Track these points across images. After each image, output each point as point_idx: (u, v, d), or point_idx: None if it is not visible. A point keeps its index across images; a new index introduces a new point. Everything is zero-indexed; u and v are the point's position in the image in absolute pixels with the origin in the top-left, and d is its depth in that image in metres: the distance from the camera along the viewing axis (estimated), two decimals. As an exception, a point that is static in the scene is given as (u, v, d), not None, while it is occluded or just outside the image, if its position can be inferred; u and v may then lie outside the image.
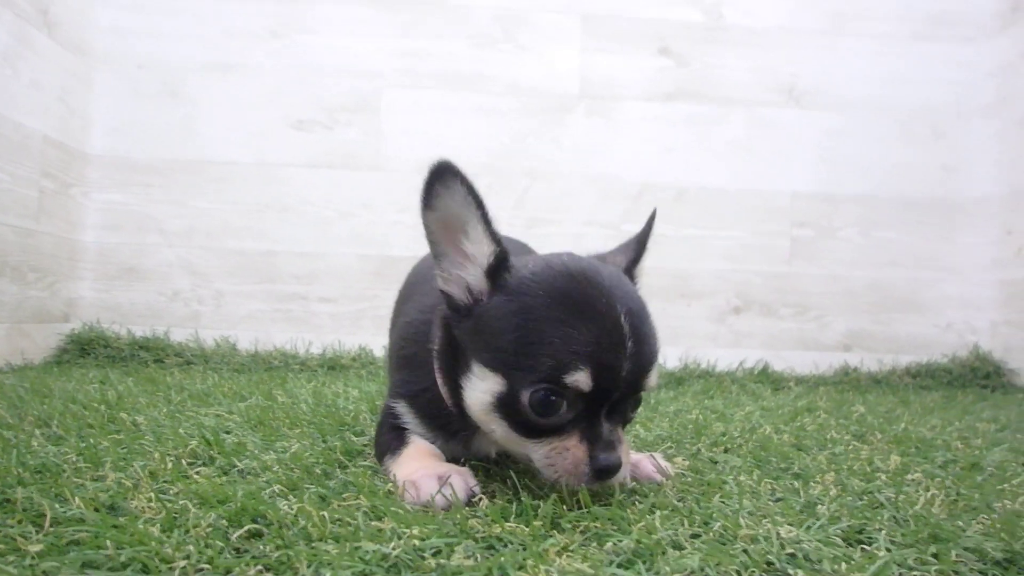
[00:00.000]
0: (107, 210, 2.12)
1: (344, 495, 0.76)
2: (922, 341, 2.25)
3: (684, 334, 2.20)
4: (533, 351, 0.74)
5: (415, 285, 1.03)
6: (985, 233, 2.26)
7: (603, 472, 0.74)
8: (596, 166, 2.21)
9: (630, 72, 2.23)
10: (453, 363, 0.81)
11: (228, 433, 1.05)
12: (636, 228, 2.18)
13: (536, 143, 2.21)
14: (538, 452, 0.76)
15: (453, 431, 0.87)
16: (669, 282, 2.21)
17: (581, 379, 0.73)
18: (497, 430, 0.78)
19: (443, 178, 0.82)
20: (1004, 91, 2.21)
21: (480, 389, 0.77)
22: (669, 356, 2.16)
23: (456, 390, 0.80)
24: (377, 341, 2.08)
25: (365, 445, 1.02)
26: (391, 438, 0.88)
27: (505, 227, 2.13)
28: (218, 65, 2.16)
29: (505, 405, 0.75)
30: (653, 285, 2.20)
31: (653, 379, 0.81)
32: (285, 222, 2.16)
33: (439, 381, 0.84)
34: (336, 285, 2.15)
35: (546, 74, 2.21)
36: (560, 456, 0.75)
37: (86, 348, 1.98)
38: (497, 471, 0.90)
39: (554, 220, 2.19)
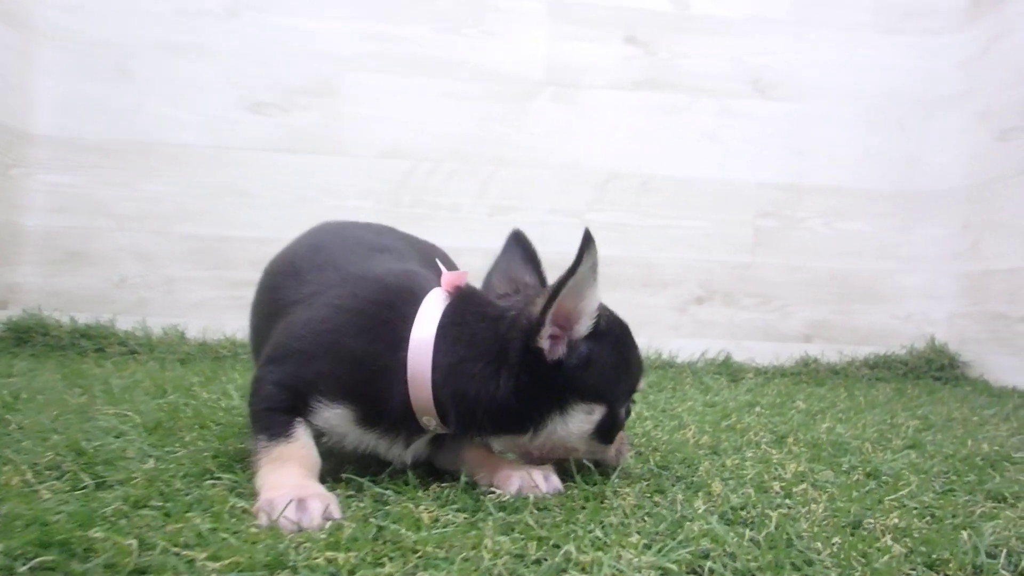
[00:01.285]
0: (53, 192, 2.08)
1: (188, 514, 0.71)
2: (882, 332, 2.31)
3: (647, 323, 2.23)
4: (627, 376, 0.91)
5: (331, 267, 0.98)
6: (946, 225, 2.33)
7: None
8: (562, 153, 2.24)
9: (597, 59, 2.26)
10: (528, 405, 0.85)
11: (118, 437, 1.00)
12: (602, 217, 2.24)
13: (501, 129, 2.22)
14: (610, 450, 0.93)
15: (396, 437, 0.87)
16: (633, 271, 2.24)
17: (643, 384, 0.96)
18: (580, 447, 0.91)
19: (591, 248, 0.84)
20: (967, 84, 2.29)
21: (584, 421, 0.87)
22: (633, 346, 2.18)
23: (528, 422, 0.86)
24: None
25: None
26: (275, 420, 0.84)
27: (468, 213, 2.15)
28: (173, 44, 2.13)
29: (602, 426, 0.88)
30: (618, 274, 2.24)
31: None
32: (241, 206, 2.14)
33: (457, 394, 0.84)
34: (294, 272, 2.13)
35: (512, 60, 2.23)
36: (620, 443, 0.95)
37: (23, 336, 1.93)
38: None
39: (519, 207, 2.21)
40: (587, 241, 0.83)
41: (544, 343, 0.83)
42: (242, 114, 2.15)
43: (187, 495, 0.78)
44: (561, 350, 0.84)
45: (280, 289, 0.99)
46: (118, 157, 2.11)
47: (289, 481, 0.77)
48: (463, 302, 0.89)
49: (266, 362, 0.88)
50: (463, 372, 0.83)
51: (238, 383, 1.55)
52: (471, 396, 0.83)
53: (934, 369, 2.24)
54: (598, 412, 0.87)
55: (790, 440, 1.20)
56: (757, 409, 1.52)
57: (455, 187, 2.20)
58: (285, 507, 0.72)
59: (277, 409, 0.84)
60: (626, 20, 2.28)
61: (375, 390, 0.84)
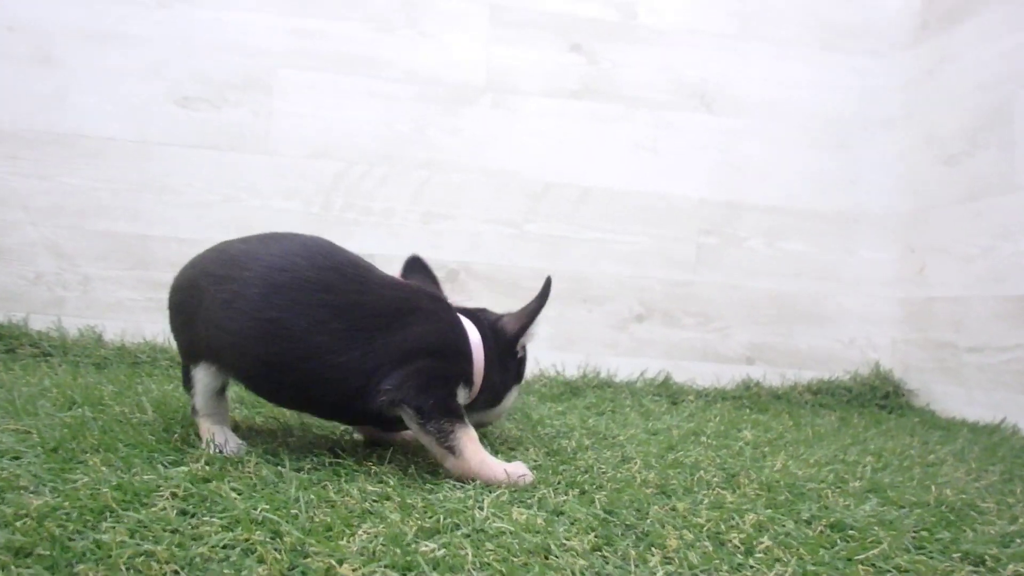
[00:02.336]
0: (-35, 182, 2.06)
1: (75, 571, 0.65)
2: (824, 356, 2.32)
3: (583, 340, 2.23)
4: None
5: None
6: (887, 248, 2.34)
7: None
8: (498, 161, 2.24)
9: (538, 66, 2.26)
10: (505, 386, 1.25)
11: (15, 459, 0.95)
12: (537, 228, 2.23)
13: (436, 134, 2.22)
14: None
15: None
16: (568, 286, 2.24)
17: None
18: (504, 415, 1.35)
19: (550, 291, 1.28)
20: (909, 107, 2.31)
21: (515, 397, 1.30)
22: (567, 363, 2.18)
23: (502, 397, 1.25)
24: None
25: (166, 480, 0.91)
26: (456, 407, 1.07)
27: (401, 220, 2.14)
28: (98, 32, 2.12)
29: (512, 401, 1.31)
30: (553, 288, 2.23)
31: None
32: (162, 204, 2.12)
33: (487, 378, 1.17)
34: (217, 274, 2.11)
35: (449, 63, 2.23)
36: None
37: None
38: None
39: (452, 215, 2.21)
40: (548, 284, 1.27)
41: (519, 349, 1.27)
42: (168, 107, 2.13)
43: (79, 540, 0.71)
44: (520, 352, 1.28)
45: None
46: (35, 147, 2.09)
47: (495, 459, 1.08)
48: (468, 314, 1.22)
49: (414, 360, 1.05)
50: (492, 363, 1.17)
51: (153, 394, 1.52)
52: (494, 379, 1.19)
53: (879, 397, 2.24)
54: (516, 391, 1.28)
55: (742, 480, 1.15)
56: (703, 439, 1.50)
57: (387, 192, 2.19)
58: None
59: (453, 396, 1.08)
60: (570, 27, 2.28)
61: (470, 376, 1.14)
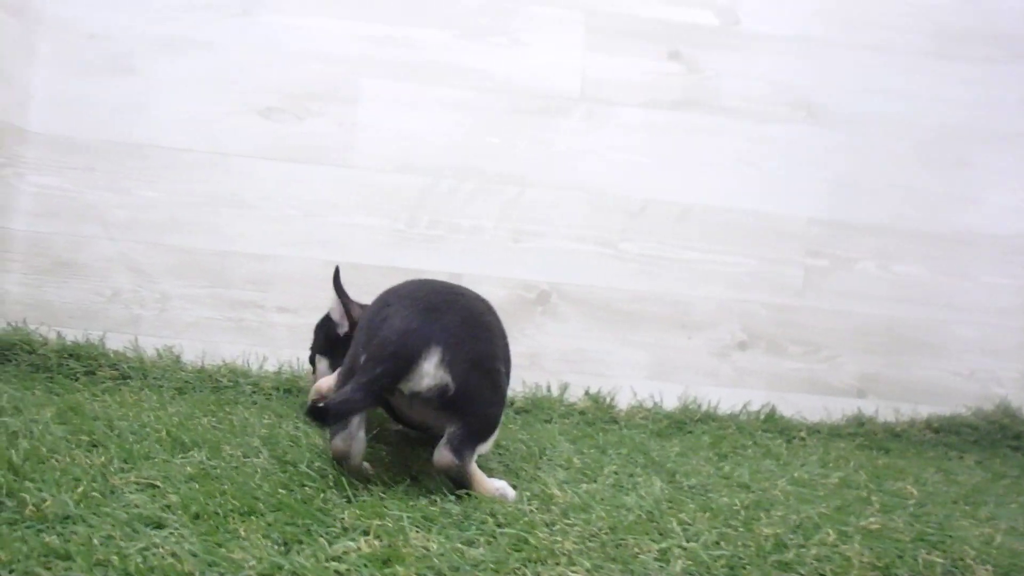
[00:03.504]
0: (42, 195, 2.03)
1: None
2: (941, 389, 2.20)
3: (682, 369, 2.14)
4: None
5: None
6: (1010, 273, 2.23)
7: None
8: (593, 175, 2.16)
9: (636, 75, 2.19)
10: None
11: (159, 528, 0.89)
12: (635, 247, 2.16)
13: (528, 147, 2.15)
14: None
15: None
16: (666, 310, 2.15)
17: None
18: None
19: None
20: (1040, 120, 2.19)
21: None
22: (667, 394, 2.10)
23: None
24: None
25: (339, 560, 0.84)
26: None
27: (490, 238, 2.08)
28: (179, 40, 2.09)
29: None
30: (650, 312, 2.16)
31: None
32: (241, 218, 2.08)
33: None
34: (296, 293, 2.07)
35: (543, 72, 2.16)
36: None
37: (7, 353, 1.87)
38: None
39: (545, 232, 2.14)
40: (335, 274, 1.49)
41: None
42: (249, 118, 2.10)
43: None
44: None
45: None
46: (112, 160, 2.06)
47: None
48: None
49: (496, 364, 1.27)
50: None
51: (257, 429, 1.47)
52: None
53: (1010, 437, 2.11)
54: None
55: (966, 555, 1.01)
56: (861, 493, 1.39)
57: (476, 208, 2.13)
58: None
59: None
60: (669, 34, 2.21)
61: None
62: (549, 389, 2.08)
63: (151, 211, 2.06)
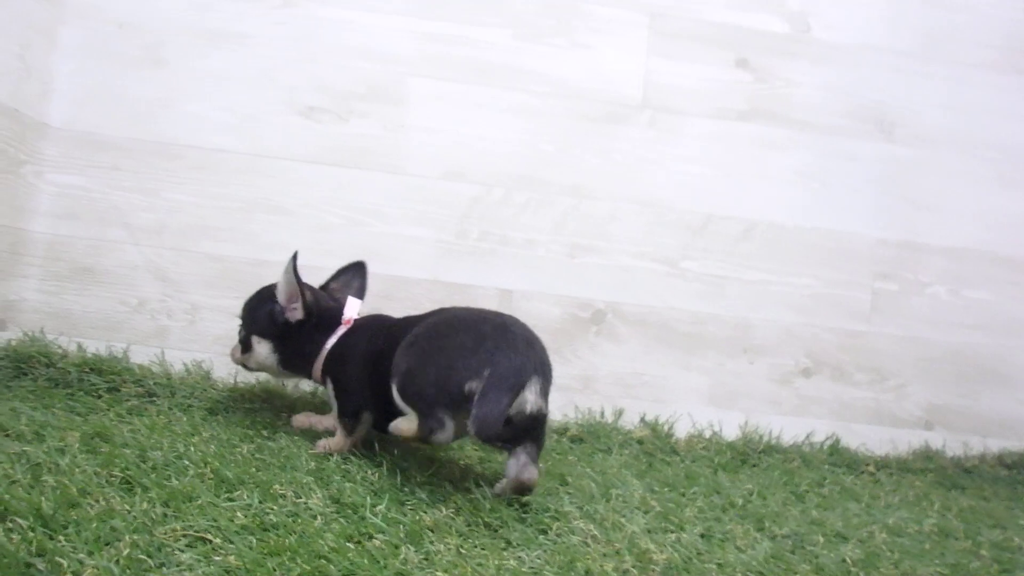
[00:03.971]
0: (63, 195, 1.89)
1: None
2: (1013, 423, 2.11)
3: (744, 396, 2.03)
4: None
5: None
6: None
7: None
8: (653, 188, 2.05)
9: (701, 83, 2.08)
10: None
11: None
12: (696, 266, 2.05)
13: (585, 156, 2.04)
14: None
15: None
16: (729, 333, 2.05)
17: None
18: None
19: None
20: None
21: None
22: (727, 423, 1.99)
23: None
24: (382, 379, 1.89)
25: None
26: None
27: (544, 252, 1.96)
28: (215, 32, 1.96)
29: None
30: (711, 335, 2.05)
31: None
32: (277, 225, 1.95)
33: None
34: (334, 306, 1.94)
35: (604, 76, 2.05)
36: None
37: (23, 366, 1.73)
38: None
39: (601, 247, 2.02)
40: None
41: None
42: (288, 118, 1.97)
43: None
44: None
45: None
46: (139, 159, 1.93)
47: None
48: None
49: None
50: None
51: (309, 467, 1.33)
52: None
53: (1091, 477, 2.03)
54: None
55: None
56: (964, 544, 1.31)
57: (529, 220, 2.01)
58: None
59: None
60: (736, 40, 2.10)
61: None
62: (603, 415, 1.97)
63: (180, 215, 1.93)
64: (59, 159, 1.90)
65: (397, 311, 1.85)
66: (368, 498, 1.21)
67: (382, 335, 1.48)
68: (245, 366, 1.67)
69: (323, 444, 1.48)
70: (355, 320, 1.58)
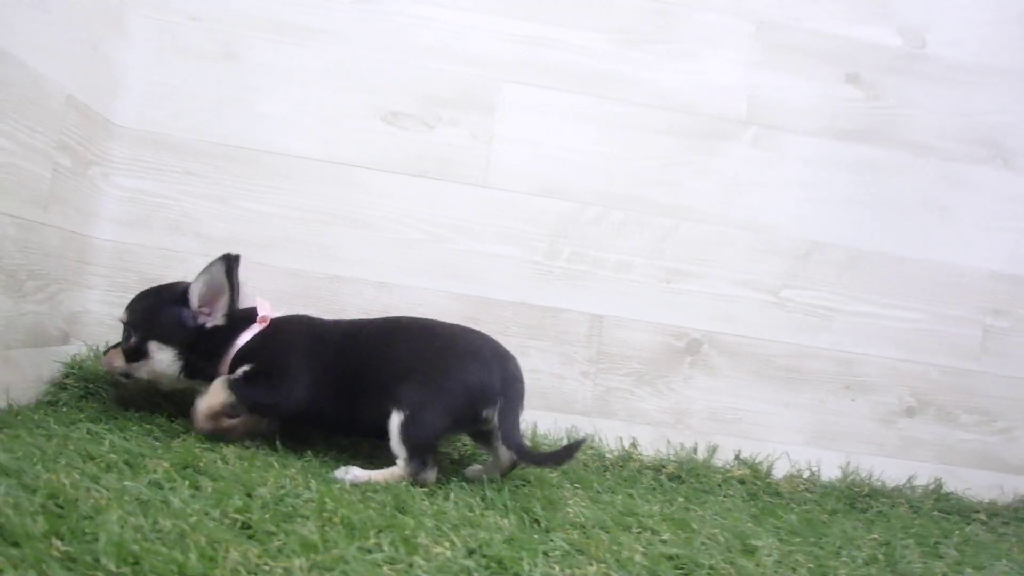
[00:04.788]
0: (132, 200, 1.79)
1: None
2: (1125, 472, 2.02)
3: (845, 436, 1.93)
4: None
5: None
6: None
7: None
8: (756, 211, 1.94)
9: (809, 99, 1.97)
10: None
11: None
12: (800, 295, 1.94)
13: (685, 174, 1.93)
14: None
15: None
16: (831, 368, 1.94)
17: None
18: None
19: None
20: None
21: None
22: (826, 463, 1.89)
23: None
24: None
25: None
26: None
27: (639, 277, 1.85)
28: (293, 27, 1.84)
29: None
30: (813, 370, 1.95)
31: None
32: (357, 239, 1.85)
33: None
34: (414, 327, 1.84)
35: (707, 88, 1.94)
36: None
37: (90, 386, 1.63)
38: None
39: (700, 273, 1.92)
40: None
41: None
42: (371, 124, 1.86)
43: None
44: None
45: None
46: (211, 163, 1.82)
47: None
48: None
49: None
50: None
51: (423, 507, 1.23)
52: None
53: None
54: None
55: None
56: None
57: (624, 241, 1.90)
58: None
59: None
60: (845, 53, 1.99)
61: None
62: (695, 451, 1.87)
63: (255, 226, 1.82)
64: (127, 161, 1.78)
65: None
66: (505, 548, 1.10)
67: (334, 334, 1.52)
68: (127, 376, 1.53)
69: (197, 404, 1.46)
70: (282, 320, 1.55)
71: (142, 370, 1.51)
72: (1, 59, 1.32)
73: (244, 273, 1.79)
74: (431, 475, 1.38)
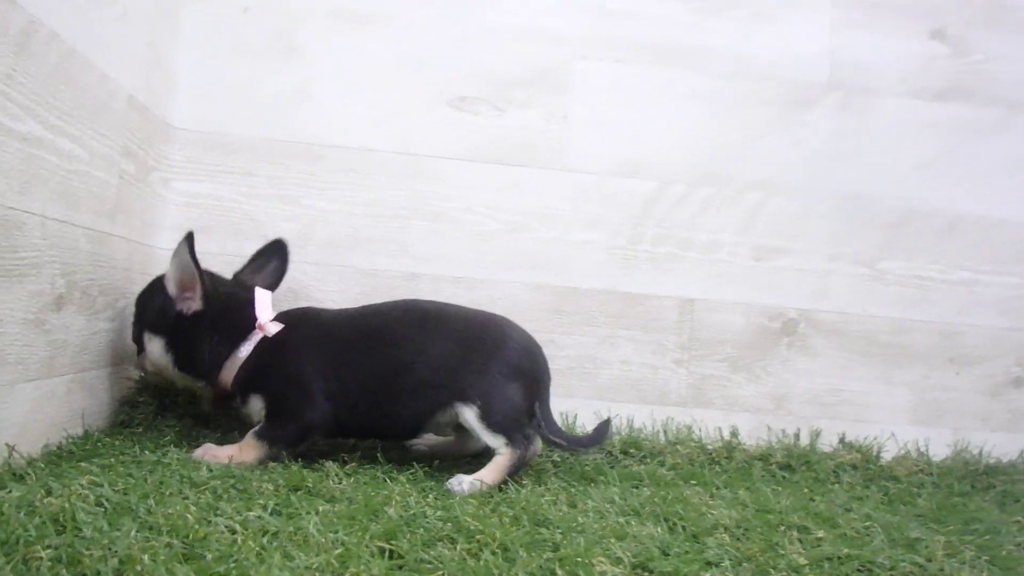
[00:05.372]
0: (192, 205, 1.70)
1: None
2: None
3: (951, 412, 1.86)
4: None
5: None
6: None
7: None
8: (846, 181, 1.86)
9: (892, 58, 1.88)
10: None
11: None
12: (897, 267, 1.86)
13: (771, 145, 1.84)
14: None
15: None
16: (933, 341, 1.86)
17: None
18: None
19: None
20: None
21: None
22: (934, 441, 1.81)
23: None
24: (565, 405, 1.71)
25: None
26: None
27: (728, 256, 1.76)
28: (353, 14, 1.75)
29: None
30: (914, 344, 1.87)
31: None
32: (433, 233, 1.76)
33: None
34: (495, 323, 1.76)
35: (788, 53, 1.85)
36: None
37: (166, 400, 1.56)
38: None
39: (791, 248, 1.83)
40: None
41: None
42: (440, 110, 1.77)
43: None
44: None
45: None
46: (274, 161, 1.73)
47: None
48: None
49: None
50: None
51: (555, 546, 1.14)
52: None
53: None
54: None
55: None
56: None
57: (711, 220, 1.82)
58: None
59: None
60: (929, 8, 1.90)
61: None
62: (798, 437, 1.80)
63: (325, 225, 1.73)
64: (186, 164, 1.70)
65: (571, 329, 1.72)
66: (668, 562, 1.02)
67: (345, 328, 1.44)
68: (144, 371, 1.49)
69: (216, 452, 1.33)
70: (285, 321, 1.43)
71: (146, 363, 1.46)
72: (71, 59, 1.23)
73: (314, 275, 1.71)
74: (538, 446, 1.38)
